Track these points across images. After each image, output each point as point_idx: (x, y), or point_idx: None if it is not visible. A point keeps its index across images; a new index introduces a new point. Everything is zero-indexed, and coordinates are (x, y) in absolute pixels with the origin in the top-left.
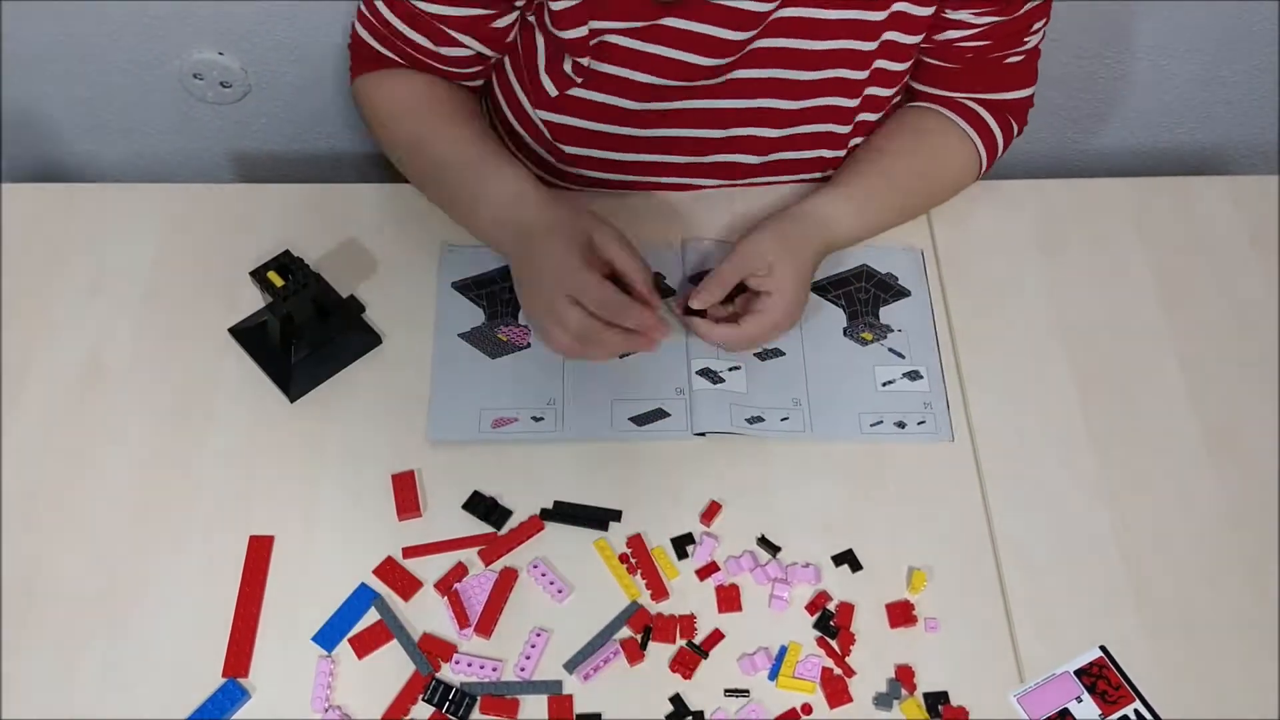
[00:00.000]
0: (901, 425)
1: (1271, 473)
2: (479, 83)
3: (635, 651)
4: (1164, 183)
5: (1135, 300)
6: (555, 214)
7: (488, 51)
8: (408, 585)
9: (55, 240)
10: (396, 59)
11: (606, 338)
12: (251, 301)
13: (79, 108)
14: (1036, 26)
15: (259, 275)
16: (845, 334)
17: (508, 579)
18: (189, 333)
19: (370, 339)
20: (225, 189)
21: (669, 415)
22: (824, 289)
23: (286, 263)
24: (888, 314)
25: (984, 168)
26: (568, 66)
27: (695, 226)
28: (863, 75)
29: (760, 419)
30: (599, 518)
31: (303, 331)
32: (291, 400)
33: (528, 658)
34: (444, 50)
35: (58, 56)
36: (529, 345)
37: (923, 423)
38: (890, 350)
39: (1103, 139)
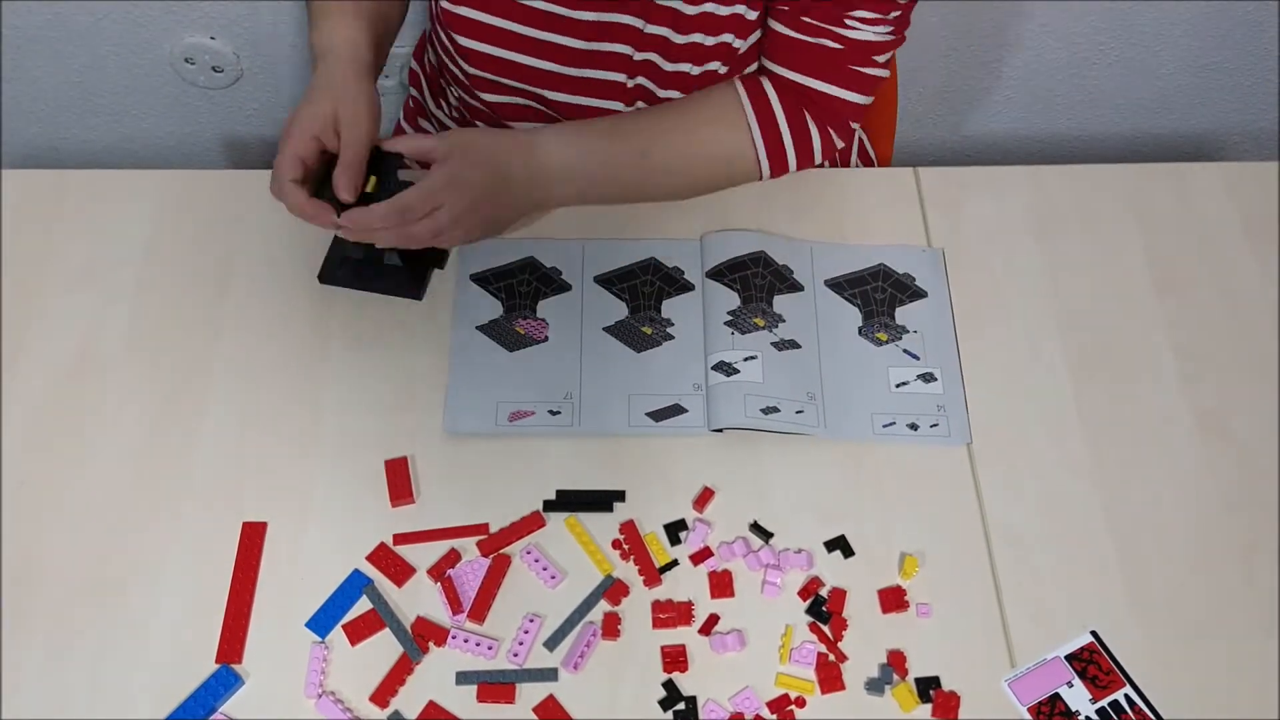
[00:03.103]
0: (914, 427)
1: (1263, 458)
2: None
3: (612, 628)
4: (1158, 169)
5: (1129, 286)
6: (344, 86)
7: None
8: (401, 571)
9: (47, 225)
10: None
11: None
12: (244, 288)
13: (70, 92)
14: (862, 16)
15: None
16: (860, 333)
17: (501, 565)
18: (182, 318)
19: (414, 289)
20: (217, 174)
21: (686, 411)
22: (840, 286)
23: (381, 164)
24: (904, 314)
25: (763, 158)
26: None
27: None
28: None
29: (775, 409)
30: (602, 501)
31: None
32: (320, 280)
33: (520, 643)
34: None
35: (49, 41)
36: (547, 339)
37: (935, 425)
38: (905, 351)
39: (1097, 125)
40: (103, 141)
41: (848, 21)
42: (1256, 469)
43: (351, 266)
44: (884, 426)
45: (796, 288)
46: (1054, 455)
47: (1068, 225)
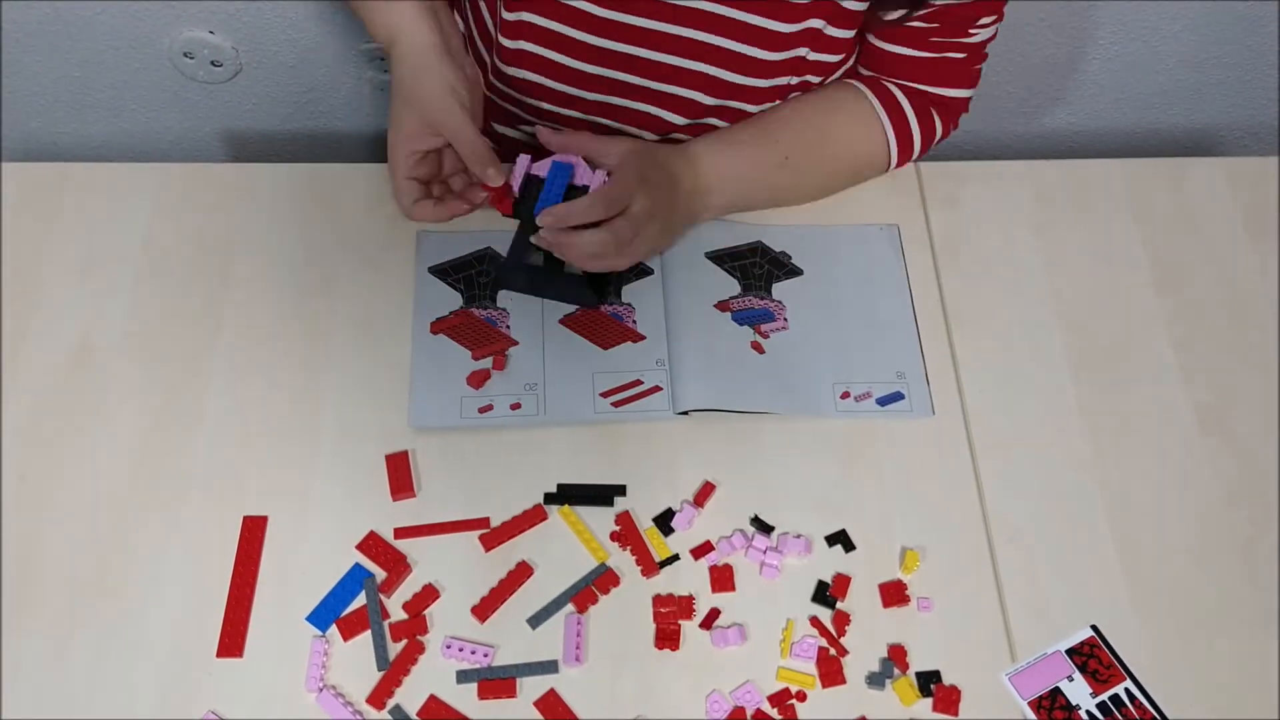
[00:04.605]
0: (878, 402)
1: (1263, 451)
2: None
3: (585, 605)
4: (1157, 163)
5: (1128, 281)
6: (413, 88)
7: None
8: (399, 565)
9: (46, 220)
10: None
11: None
12: (244, 281)
13: (69, 87)
14: (984, 21)
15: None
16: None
17: (523, 572)
18: (181, 312)
19: (591, 297)
20: (216, 168)
21: (653, 394)
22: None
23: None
24: (858, 289)
25: (894, 159)
26: None
27: None
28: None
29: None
30: (603, 495)
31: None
32: (498, 287)
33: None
34: None
35: (47, 34)
36: (509, 329)
37: (899, 395)
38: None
39: (1097, 120)
40: (101, 136)
41: (971, 31)
42: (1256, 462)
43: (531, 273)
44: (842, 397)
45: (796, 273)
46: (1054, 449)
47: (1068, 220)
